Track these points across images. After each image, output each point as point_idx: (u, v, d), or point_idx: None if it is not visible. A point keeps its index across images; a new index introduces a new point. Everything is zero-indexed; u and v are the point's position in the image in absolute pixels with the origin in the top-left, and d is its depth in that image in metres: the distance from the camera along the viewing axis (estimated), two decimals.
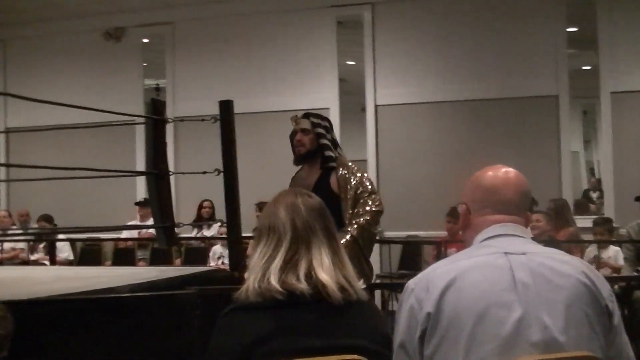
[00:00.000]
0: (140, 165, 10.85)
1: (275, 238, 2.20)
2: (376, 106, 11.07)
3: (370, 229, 5.24)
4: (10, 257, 10.40)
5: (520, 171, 2.50)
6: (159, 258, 9.55)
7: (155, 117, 6.91)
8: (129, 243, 10.44)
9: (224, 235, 9.02)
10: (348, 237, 5.07)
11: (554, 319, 2.16)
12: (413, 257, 9.89)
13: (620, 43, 10.23)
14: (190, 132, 11.01)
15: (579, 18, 10.76)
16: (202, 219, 10.77)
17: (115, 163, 10.17)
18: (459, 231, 8.30)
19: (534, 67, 10.45)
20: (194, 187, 10.46)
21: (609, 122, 10.22)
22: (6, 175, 12.77)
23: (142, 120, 8.25)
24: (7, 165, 12.99)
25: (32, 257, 10.40)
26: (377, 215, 5.30)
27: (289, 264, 2.15)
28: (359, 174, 5.42)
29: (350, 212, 5.21)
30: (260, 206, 9.13)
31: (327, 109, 11.17)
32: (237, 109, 6.41)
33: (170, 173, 7.06)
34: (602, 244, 7.97)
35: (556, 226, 8.26)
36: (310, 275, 2.14)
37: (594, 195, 11.59)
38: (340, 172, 5.37)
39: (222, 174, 6.37)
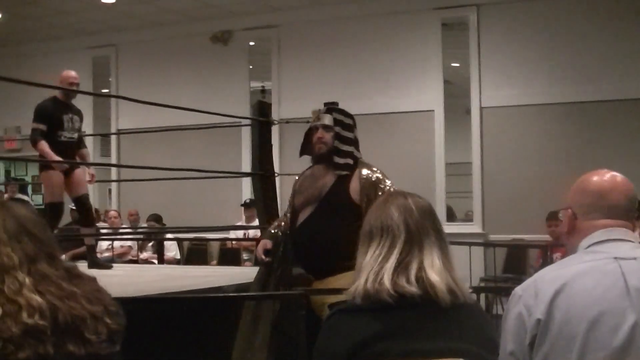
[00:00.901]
0: (246, 167, 11.02)
1: (389, 239, 2.18)
2: (481, 108, 10.95)
3: None
4: (120, 254, 10.69)
5: (629, 176, 2.46)
6: None
7: (261, 119, 7.02)
8: (235, 243, 10.57)
9: None
10: None
11: None
12: (518, 260, 9.76)
13: None
14: (295, 134, 11.05)
15: None
16: None
17: (222, 164, 10.32)
18: (562, 235, 8.15)
19: None
20: None
21: None
22: (117, 176, 13.12)
23: (248, 122, 8.40)
24: (119, 166, 13.33)
25: (141, 256, 10.67)
26: None
27: (401, 265, 2.14)
28: (388, 181, 4.67)
29: None
30: None
31: (432, 111, 11.13)
32: None
33: (276, 174, 7.16)
34: None
35: None
36: (420, 277, 2.13)
37: None
38: (365, 174, 4.64)
39: None
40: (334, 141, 4.67)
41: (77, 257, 9.29)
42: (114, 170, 13.46)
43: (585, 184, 2.44)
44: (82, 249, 9.57)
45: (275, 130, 9.08)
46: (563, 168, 10.07)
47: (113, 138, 13.42)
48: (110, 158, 13.47)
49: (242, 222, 10.90)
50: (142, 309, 4.63)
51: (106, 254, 10.72)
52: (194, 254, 10.98)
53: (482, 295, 8.46)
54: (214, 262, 10.74)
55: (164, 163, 9.18)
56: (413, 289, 2.10)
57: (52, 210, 7.18)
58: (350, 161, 4.65)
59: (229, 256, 10.27)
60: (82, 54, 13.37)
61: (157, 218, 11.09)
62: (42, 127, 7.07)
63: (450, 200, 11.29)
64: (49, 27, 12.89)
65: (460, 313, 2.15)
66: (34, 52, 13.50)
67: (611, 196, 2.38)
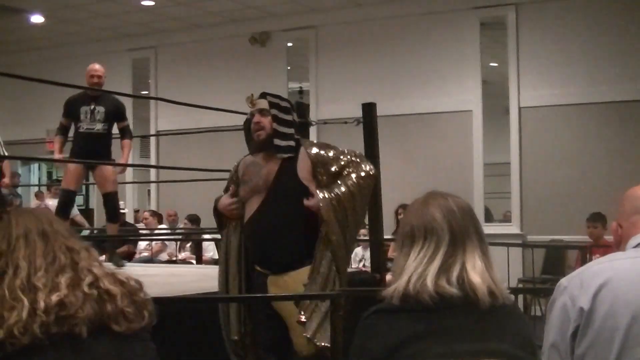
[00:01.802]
0: None
1: (433, 240, 2.16)
2: (520, 108, 10.89)
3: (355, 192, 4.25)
4: (156, 252, 10.79)
5: None
6: None
7: (299, 119, 7.04)
8: None
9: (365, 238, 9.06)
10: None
11: None
12: (556, 261, 9.70)
13: None
14: (333, 135, 11.09)
15: None
16: None
17: None
18: (602, 236, 8.11)
19: None
20: None
21: None
22: (156, 177, 13.22)
23: None
24: (158, 167, 13.43)
25: (180, 256, 10.75)
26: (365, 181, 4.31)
27: (444, 267, 2.13)
28: (331, 150, 4.37)
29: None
30: (402, 209, 9.13)
31: (470, 111, 11.09)
32: (380, 111, 6.44)
33: None
34: None
35: None
36: (461, 278, 2.13)
37: None
38: (315, 152, 4.34)
39: None
40: (273, 124, 4.34)
41: None
42: (152, 171, 13.58)
43: (629, 193, 2.49)
44: (123, 248, 9.71)
45: (313, 131, 9.12)
46: (602, 168, 10.00)
47: (152, 139, 13.52)
48: (150, 159, 13.58)
49: None
50: (179, 309, 4.68)
51: (145, 254, 10.85)
52: None
53: (520, 297, 8.42)
54: None
55: (202, 164, 9.23)
56: (454, 290, 2.09)
57: (62, 196, 7.53)
58: (293, 143, 4.35)
59: None
60: (122, 56, 13.51)
61: (194, 219, 11.15)
62: (62, 120, 7.54)
63: (488, 201, 11.24)
64: (90, 30, 13.04)
65: (499, 314, 2.14)
66: (76, 54, 13.63)
67: None
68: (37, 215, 2.07)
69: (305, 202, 4.15)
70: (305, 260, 4.18)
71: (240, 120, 7.26)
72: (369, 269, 6.91)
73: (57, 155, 7.50)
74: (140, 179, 13.79)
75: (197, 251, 10.16)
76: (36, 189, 13.81)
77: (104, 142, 7.46)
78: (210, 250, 10.81)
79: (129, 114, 12.77)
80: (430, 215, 2.21)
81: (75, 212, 10.69)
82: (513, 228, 10.74)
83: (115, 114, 7.53)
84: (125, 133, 7.63)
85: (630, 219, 2.42)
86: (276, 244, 4.22)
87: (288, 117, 4.42)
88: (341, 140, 11.03)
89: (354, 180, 4.22)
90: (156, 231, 11.18)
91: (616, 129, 10.35)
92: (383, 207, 6.29)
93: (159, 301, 2.20)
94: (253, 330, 4.38)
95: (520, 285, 9.20)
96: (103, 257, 8.84)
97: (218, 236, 11.13)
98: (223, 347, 4.41)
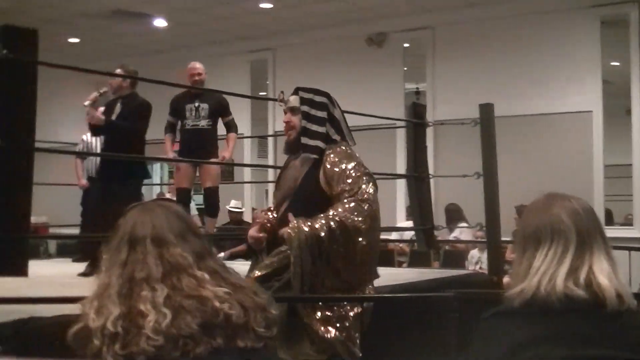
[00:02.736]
0: (401, 168, 11.06)
1: (561, 242, 2.14)
2: None
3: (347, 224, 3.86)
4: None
5: None
6: (417, 260, 9.65)
7: (416, 120, 7.04)
8: (390, 245, 10.59)
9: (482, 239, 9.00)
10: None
11: None
12: None
13: None
14: (450, 136, 11.07)
15: None
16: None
17: (376, 165, 10.39)
18: None
19: None
20: (453, 191, 10.44)
21: None
22: (274, 177, 13.39)
23: (403, 124, 8.45)
24: (275, 167, 13.59)
25: None
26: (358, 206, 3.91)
27: (572, 269, 2.11)
28: (344, 164, 4.04)
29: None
30: (520, 210, 9.02)
31: (590, 111, 10.86)
32: (497, 112, 6.40)
33: (430, 176, 7.17)
34: None
35: None
36: (589, 281, 2.10)
37: None
38: (331, 162, 4.04)
39: (481, 177, 6.39)
40: (301, 122, 4.15)
41: (234, 256, 9.58)
42: (270, 171, 13.77)
43: None
44: (241, 247, 9.88)
45: (430, 131, 9.09)
46: None
47: (270, 140, 13.72)
48: (267, 159, 13.78)
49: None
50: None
51: None
52: None
53: None
54: None
55: None
56: (581, 292, 2.07)
57: (177, 195, 7.85)
58: (321, 144, 4.09)
59: (382, 257, 10.30)
60: (241, 58, 13.75)
61: None
62: (169, 118, 7.85)
63: (609, 204, 11.01)
64: (210, 33, 13.30)
65: (624, 318, 2.11)
66: (196, 57, 13.86)
67: None
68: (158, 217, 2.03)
69: (280, 231, 3.94)
70: None
71: (357, 120, 7.33)
72: (485, 272, 6.87)
73: (169, 154, 7.79)
74: (257, 179, 14.00)
75: None
76: (158, 189, 14.14)
77: (210, 138, 7.72)
78: None
79: (247, 114, 13.10)
80: (556, 216, 2.18)
81: (193, 212, 10.87)
82: (635, 231, 10.47)
83: (219, 109, 7.79)
84: (230, 127, 7.90)
85: None
86: None
87: (321, 114, 4.21)
88: (458, 140, 11.01)
89: (344, 215, 3.85)
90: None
91: None
92: (500, 208, 6.25)
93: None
94: None
95: None
96: (222, 255, 9.04)
97: None
98: None
